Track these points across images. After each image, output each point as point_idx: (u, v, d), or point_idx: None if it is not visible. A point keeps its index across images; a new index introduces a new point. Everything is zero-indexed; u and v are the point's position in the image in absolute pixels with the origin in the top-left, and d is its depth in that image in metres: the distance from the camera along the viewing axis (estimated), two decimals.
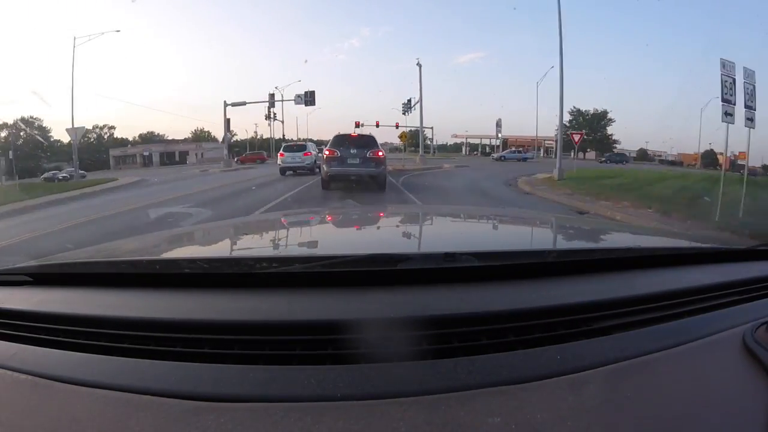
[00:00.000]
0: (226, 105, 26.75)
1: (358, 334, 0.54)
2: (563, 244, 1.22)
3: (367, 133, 11.95)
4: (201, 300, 0.65)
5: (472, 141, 76.43)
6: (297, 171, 17.05)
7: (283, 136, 38.41)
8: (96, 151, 52.38)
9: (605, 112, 58.85)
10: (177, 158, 51.74)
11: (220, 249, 1.15)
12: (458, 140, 79.36)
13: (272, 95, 30.71)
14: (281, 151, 18.46)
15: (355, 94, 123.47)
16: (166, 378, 0.50)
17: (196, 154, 52.46)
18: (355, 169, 10.22)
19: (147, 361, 0.53)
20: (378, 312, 0.58)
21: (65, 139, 55.64)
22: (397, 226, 1.48)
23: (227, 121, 27.16)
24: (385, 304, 0.60)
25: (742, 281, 0.75)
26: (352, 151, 10.26)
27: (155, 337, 0.56)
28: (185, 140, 58.06)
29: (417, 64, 27.55)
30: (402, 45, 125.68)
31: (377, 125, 28.57)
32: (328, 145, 10.77)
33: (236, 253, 1.04)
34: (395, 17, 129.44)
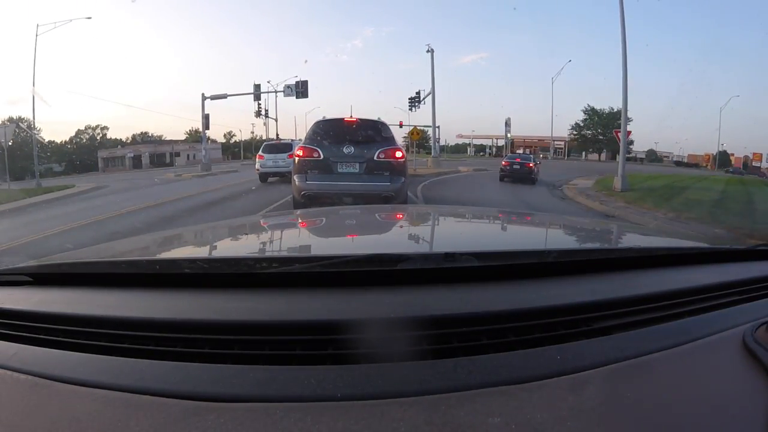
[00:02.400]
0: (204, 98, 23.38)
1: (358, 334, 0.53)
2: (563, 244, 1.20)
3: (375, 118, 6.55)
4: (201, 300, 0.64)
5: (477, 141, 73.16)
6: (283, 176, 13.46)
7: (277, 135, 34.68)
8: (87, 153, 51.42)
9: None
10: (167, 159, 50.72)
11: (220, 249, 1.13)
12: (462, 141, 76.66)
13: (258, 86, 26.32)
14: (260, 152, 14.94)
15: (356, 95, 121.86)
16: (166, 378, 0.49)
17: (188, 155, 51.30)
18: (353, 184, 5.48)
19: (147, 361, 0.52)
20: (378, 312, 0.57)
21: (58, 139, 53.70)
22: (398, 226, 1.46)
23: (205, 118, 23.71)
24: (385, 304, 0.60)
25: (742, 281, 0.75)
26: (346, 150, 5.55)
27: (155, 337, 0.56)
28: (177, 141, 56.70)
29: (428, 51, 24.19)
30: (405, 45, 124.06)
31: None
32: (304, 140, 5.96)
33: (236, 253, 1.02)
34: (398, 18, 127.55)
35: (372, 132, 5.88)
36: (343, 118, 6.02)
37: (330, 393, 0.46)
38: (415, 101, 25.53)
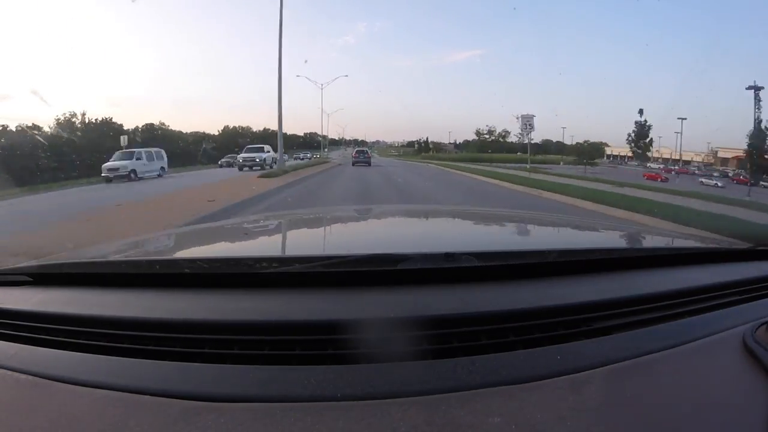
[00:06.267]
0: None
1: (358, 335, 0.54)
2: (563, 244, 1.21)
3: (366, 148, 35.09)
4: (201, 300, 0.64)
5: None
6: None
7: None
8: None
9: None
10: None
11: (220, 249, 1.13)
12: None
13: None
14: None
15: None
16: (166, 378, 0.49)
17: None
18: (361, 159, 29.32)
19: (147, 361, 0.53)
20: (378, 312, 0.57)
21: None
22: (398, 226, 1.47)
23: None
24: (385, 305, 0.60)
25: (742, 281, 0.75)
26: (359, 152, 31.13)
27: (155, 337, 0.56)
28: None
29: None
30: (403, 43, 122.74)
31: None
32: (354, 151, 22.45)
33: (236, 253, 1.02)
34: (397, 16, 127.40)
35: (365, 151, 32.60)
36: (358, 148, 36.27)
37: (330, 393, 0.46)
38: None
